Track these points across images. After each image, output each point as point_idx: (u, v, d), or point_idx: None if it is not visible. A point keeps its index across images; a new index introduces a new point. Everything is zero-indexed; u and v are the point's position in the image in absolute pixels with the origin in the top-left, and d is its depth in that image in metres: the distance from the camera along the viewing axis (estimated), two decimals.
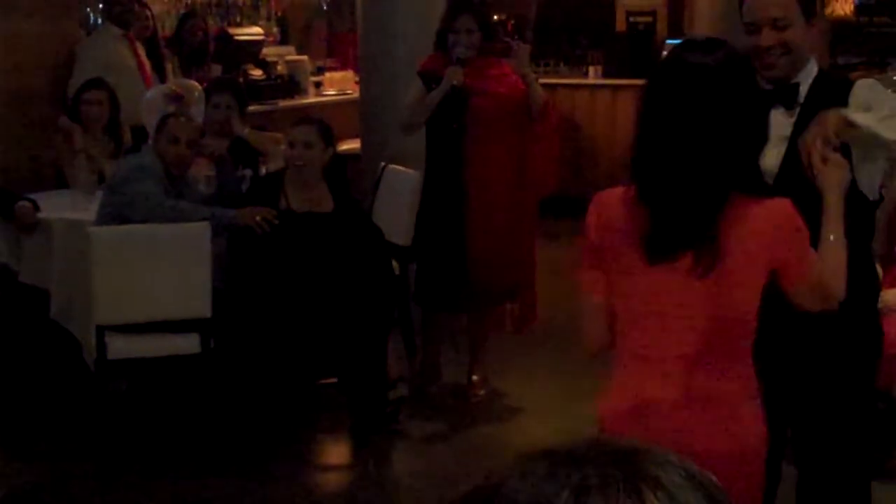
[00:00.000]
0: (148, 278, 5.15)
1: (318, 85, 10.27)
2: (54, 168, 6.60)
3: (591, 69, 10.89)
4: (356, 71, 9.13)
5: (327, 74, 10.50)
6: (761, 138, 2.80)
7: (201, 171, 5.89)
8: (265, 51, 9.89)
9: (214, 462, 5.16)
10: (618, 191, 2.74)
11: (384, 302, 5.52)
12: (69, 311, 5.59)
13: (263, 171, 6.11)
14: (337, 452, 5.73)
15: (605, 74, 10.71)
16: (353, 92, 9.32)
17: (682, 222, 2.62)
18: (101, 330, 5.14)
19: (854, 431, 3.38)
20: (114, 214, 5.35)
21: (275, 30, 10.87)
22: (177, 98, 6.49)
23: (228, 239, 5.38)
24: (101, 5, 8.13)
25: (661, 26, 11.19)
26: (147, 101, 6.66)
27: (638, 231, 2.66)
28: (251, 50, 9.57)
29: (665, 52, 3.31)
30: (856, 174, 3.12)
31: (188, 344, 5.23)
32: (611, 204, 2.74)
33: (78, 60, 7.39)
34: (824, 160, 2.91)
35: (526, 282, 6.02)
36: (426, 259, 5.95)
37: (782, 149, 3.23)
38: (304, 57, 10.39)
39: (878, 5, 10.27)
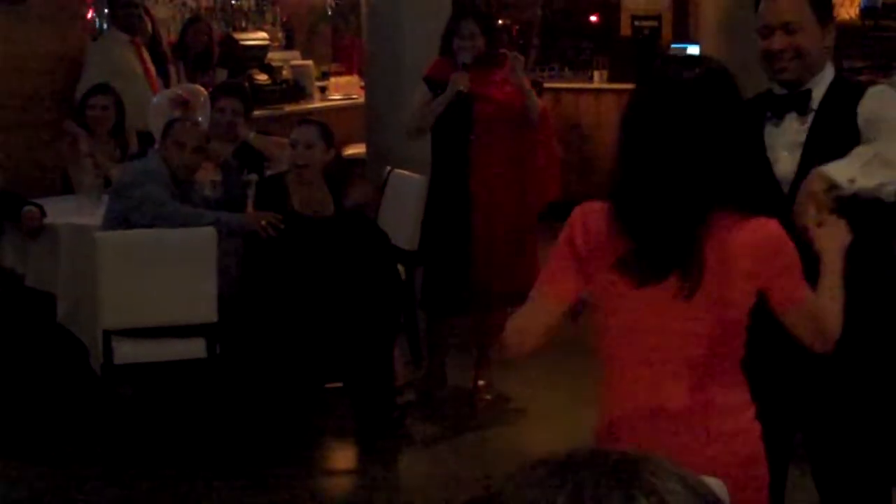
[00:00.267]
0: (154, 283, 5.15)
1: (323, 90, 10.28)
2: (61, 173, 6.61)
3: (596, 74, 10.90)
4: (361, 76, 9.15)
5: (332, 79, 10.52)
6: (749, 152, 2.76)
7: (207, 176, 5.90)
8: (270, 55, 9.90)
9: (221, 466, 5.16)
10: (602, 207, 2.68)
11: (390, 306, 5.53)
12: (75, 315, 5.60)
13: (267, 175, 6.12)
14: (343, 457, 5.73)
15: (611, 79, 10.70)
16: (359, 96, 9.34)
17: (664, 244, 2.59)
18: (108, 334, 5.15)
19: (874, 436, 3.35)
20: (120, 219, 5.36)
21: (280, 35, 10.88)
22: (183, 103, 6.50)
23: (245, 244, 5.39)
24: (107, 11, 8.14)
25: (667, 31, 11.20)
26: (153, 106, 6.67)
27: (623, 250, 2.62)
28: (256, 55, 9.58)
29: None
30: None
31: (194, 349, 5.24)
32: (597, 219, 2.68)
33: (85, 66, 7.42)
34: (820, 224, 2.83)
35: (528, 287, 6.00)
36: (432, 264, 5.95)
37: (797, 155, 3.20)
38: (310, 62, 10.40)
39: (884, 9, 10.27)
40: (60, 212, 5.89)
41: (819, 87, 3.23)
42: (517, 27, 11.33)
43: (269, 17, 10.91)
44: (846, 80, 3.30)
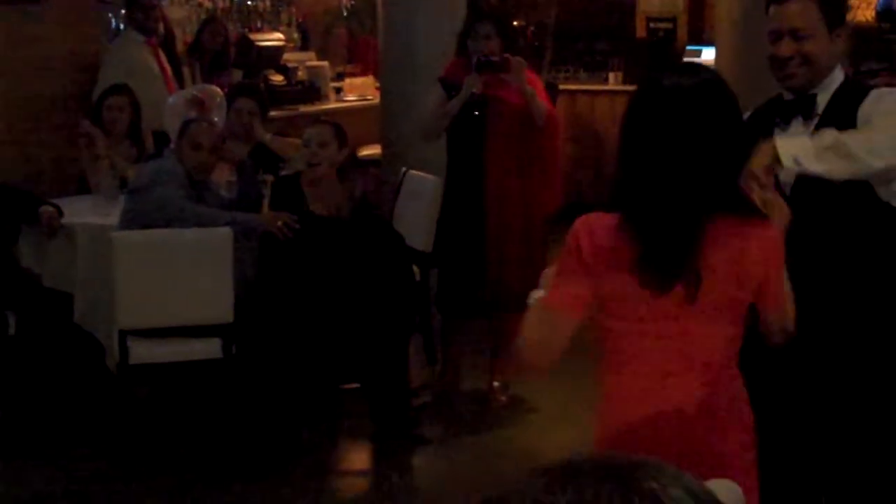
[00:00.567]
0: (170, 283, 5.17)
1: (338, 90, 10.29)
2: (77, 173, 6.64)
3: (612, 75, 10.89)
4: (376, 76, 9.16)
5: (347, 80, 10.52)
6: (745, 159, 2.79)
7: (223, 177, 5.92)
8: (286, 56, 9.92)
9: (236, 467, 5.17)
10: (605, 217, 2.70)
11: (405, 307, 5.53)
12: (92, 315, 5.62)
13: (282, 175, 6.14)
14: (357, 458, 5.74)
15: (626, 81, 10.69)
16: (374, 97, 9.34)
17: (669, 250, 2.63)
18: (124, 334, 5.17)
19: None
20: (136, 219, 5.37)
21: (295, 35, 10.90)
22: (199, 103, 6.52)
23: (260, 244, 5.40)
24: (123, 12, 8.17)
25: (682, 33, 11.18)
26: (169, 106, 6.69)
27: (629, 259, 2.65)
28: (272, 55, 9.59)
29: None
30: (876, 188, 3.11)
31: (210, 349, 5.25)
32: (603, 227, 2.69)
33: (102, 66, 7.45)
34: (763, 204, 2.80)
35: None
36: (447, 265, 5.96)
37: None
38: (325, 63, 10.41)
39: None
40: (77, 212, 5.91)
41: (825, 92, 3.22)
42: (532, 29, 11.33)
43: (284, 17, 10.93)
44: (854, 84, 3.28)
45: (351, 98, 10.11)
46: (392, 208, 6.36)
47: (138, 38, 7.61)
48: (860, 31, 9.95)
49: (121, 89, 6.62)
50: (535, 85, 5.77)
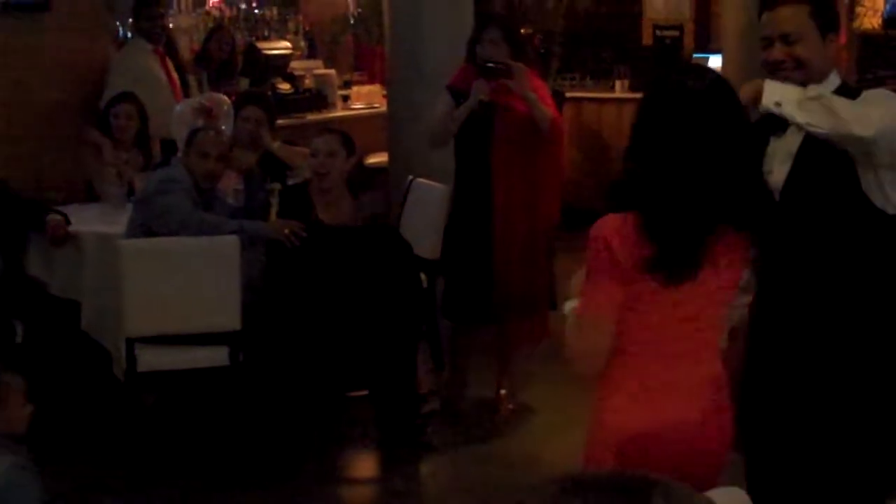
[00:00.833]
0: (177, 291, 5.17)
1: (345, 98, 10.30)
2: (85, 181, 6.65)
3: (618, 83, 10.89)
4: (383, 84, 9.17)
5: (355, 88, 10.54)
6: (750, 162, 2.88)
7: (230, 185, 5.93)
8: (293, 64, 9.93)
9: (242, 475, 5.18)
10: (622, 217, 2.78)
11: (413, 315, 5.53)
12: (99, 323, 5.63)
13: (289, 183, 6.14)
14: (364, 465, 5.74)
15: (632, 88, 10.69)
16: (381, 105, 9.36)
17: (687, 246, 2.76)
18: (131, 342, 5.18)
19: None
20: (143, 227, 5.39)
21: (302, 44, 10.91)
22: (206, 112, 6.54)
23: (267, 252, 5.41)
24: (130, 20, 8.19)
25: (688, 40, 11.19)
26: (177, 114, 6.71)
27: (646, 256, 2.75)
28: (279, 64, 9.61)
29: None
30: (864, 188, 3.11)
31: (217, 357, 5.25)
32: (625, 229, 2.78)
33: (109, 74, 7.47)
34: None
35: (544, 295, 6.00)
36: (454, 272, 5.96)
37: (789, 165, 3.23)
38: (332, 71, 10.43)
39: None
40: (84, 220, 5.93)
41: None
42: (539, 36, 11.33)
43: (291, 26, 10.94)
44: (849, 88, 3.29)
45: (358, 106, 10.12)
46: (399, 216, 6.36)
47: (145, 47, 7.63)
48: (866, 38, 9.96)
49: (128, 97, 6.64)
50: (540, 91, 5.77)
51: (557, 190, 5.97)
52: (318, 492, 5.11)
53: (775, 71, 3.22)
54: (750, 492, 2.82)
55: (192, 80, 8.05)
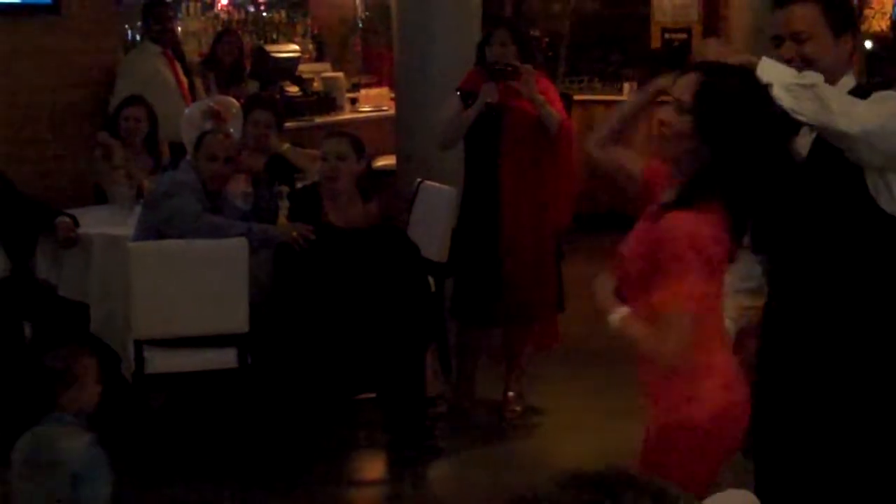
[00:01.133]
0: (186, 293, 5.18)
1: (353, 101, 10.32)
2: (94, 184, 6.67)
3: (626, 86, 10.89)
4: (392, 87, 9.18)
5: (363, 91, 10.55)
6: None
7: (238, 188, 5.93)
8: (301, 67, 9.95)
9: (250, 477, 5.18)
10: (697, 215, 2.89)
11: (422, 317, 5.53)
12: (108, 325, 5.63)
13: (299, 186, 6.15)
14: (372, 468, 5.74)
15: (640, 91, 10.68)
16: (389, 108, 9.37)
17: (756, 230, 3.07)
18: (140, 344, 5.18)
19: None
20: (152, 230, 5.39)
21: (311, 47, 10.93)
22: (215, 115, 6.55)
23: (275, 254, 5.42)
24: (139, 23, 8.21)
25: (696, 43, 11.17)
26: (186, 117, 6.72)
27: (730, 248, 2.97)
28: (287, 67, 9.63)
29: None
30: (871, 190, 3.10)
31: (226, 359, 5.26)
32: (715, 225, 2.92)
33: (119, 77, 7.49)
34: None
35: (552, 298, 6.00)
36: (463, 274, 5.96)
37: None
38: (340, 73, 10.45)
39: None
40: (93, 222, 5.94)
41: None
42: (546, 39, 11.34)
43: (300, 29, 10.97)
44: (865, 89, 3.24)
45: (366, 109, 10.14)
46: (407, 219, 6.36)
47: (154, 50, 7.65)
48: (876, 40, 9.95)
49: (138, 100, 6.66)
50: (549, 93, 5.77)
51: (569, 193, 5.95)
52: (326, 494, 5.11)
53: None
54: (759, 496, 2.82)
55: (199, 83, 8.07)
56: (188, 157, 5.87)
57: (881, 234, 3.16)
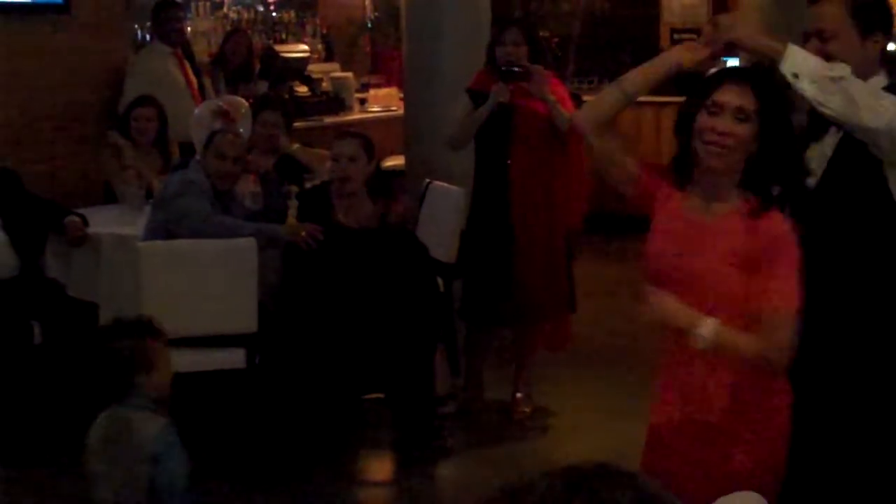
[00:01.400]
0: (195, 293, 5.19)
1: (362, 101, 10.33)
2: (103, 183, 6.68)
3: None
4: (400, 87, 9.18)
5: (372, 91, 10.56)
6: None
7: (247, 188, 5.94)
8: (310, 67, 9.96)
9: (259, 477, 5.18)
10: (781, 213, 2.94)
11: (430, 318, 5.53)
12: None
13: (308, 186, 6.15)
14: (380, 468, 5.74)
15: (650, 91, 10.66)
16: (398, 108, 9.37)
17: None
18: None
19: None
20: (161, 229, 5.40)
21: (320, 47, 10.94)
22: (224, 115, 6.56)
23: (283, 254, 5.42)
24: (149, 23, 8.22)
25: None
26: (195, 117, 6.73)
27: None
28: (296, 67, 9.64)
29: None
30: (892, 187, 3.09)
31: (234, 359, 5.26)
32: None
33: (128, 77, 7.50)
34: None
35: (564, 299, 6.00)
36: (474, 274, 5.95)
37: (823, 169, 3.21)
38: (349, 73, 10.46)
39: None
40: (103, 222, 5.95)
41: None
42: (556, 39, 11.34)
43: (309, 29, 10.98)
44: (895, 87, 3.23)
45: (375, 109, 10.14)
46: (416, 219, 6.36)
47: (164, 49, 7.66)
48: None
49: (148, 100, 6.67)
50: (560, 94, 5.77)
51: (581, 193, 5.94)
52: (335, 493, 5.12)
53: None
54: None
55: (208, 83, 8.08)
56: (197, 156, 5.87)
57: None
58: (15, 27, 7.13)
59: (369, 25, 11.67)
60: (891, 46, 3.30)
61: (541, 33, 9.75)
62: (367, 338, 5.27)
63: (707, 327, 2.81)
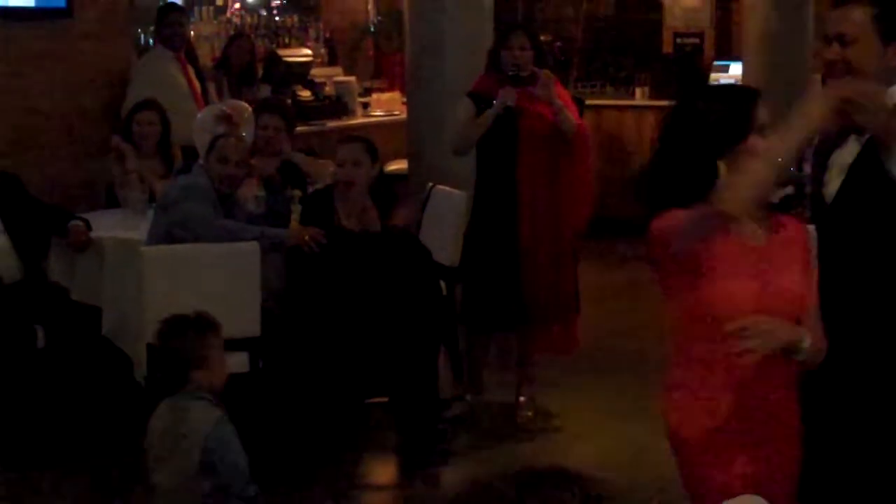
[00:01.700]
0: (198, 297, 5.15)
1: (365, 106, 10.33)
2: (107, 187, 6.68)
3: (638, 90, 10.88)
4: (403, 92, 9.19)
5: (375, 95, 10.56)
6: None
7: (250, 191, 5.94)
8: (313, 72, 9.96)
9: (262, 481, 5.16)
10: None
11: (433, 321, 5.53)
12: (120, 328, 5.64)
13: (311, 190, 6.15)
14: (383, 471, 5.74)
15: (652, 96, 10.69)
16: (401, 113, 9.37)
17: None
18: (152, 348, 5.18)
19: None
20: (164, 233, 5.41)
21: (323, 51, 10.94)
22: (227, 119, 6.56)
23: (287, 258, 5.42)
24: (152, 28, 8.23)
25: (708, 48, 11.18)
26: (198, 121, 6.73)
27: None
28: (299, 71, 9.64)
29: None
30: None
31: (237, 362, 5.24)
32: None
33: (131, 81, 7.51)
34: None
35: (569, 302, 5.99)
36: (477, 279, 5.92)
37: (843, 176, 3.19)
38: (352, 78, 10.46)
39: None
40: (106, 226, 5.95)
41: None
42: (559, 44, 11.35)
43: (312, 33, 10.98)
44: None
45: (378, 113, 10.15)
46: (419, 223, 6.37)
47: (167, 54, 7.66)
48: None
49: (150, 104, 6.67)
50: (563, 98, 5.78)
51: (586, 197, 5.93)
52: (338, 497, 5.11)
53: (828, 71, 3.16)
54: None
55: (211, 87, 8.08)
56: (200, 160, 5.88)
57: None
58: (18, 32, 7.14)
59: (372, 30, 11.68)
60: None
61: (543, 38, 9.80)
62: (370, 341, 5.27)
63: (808, 338, 2.84)
